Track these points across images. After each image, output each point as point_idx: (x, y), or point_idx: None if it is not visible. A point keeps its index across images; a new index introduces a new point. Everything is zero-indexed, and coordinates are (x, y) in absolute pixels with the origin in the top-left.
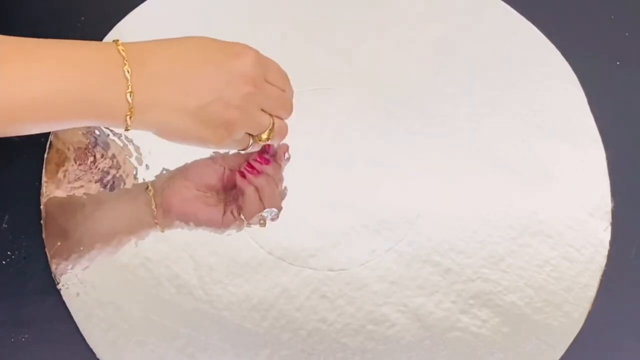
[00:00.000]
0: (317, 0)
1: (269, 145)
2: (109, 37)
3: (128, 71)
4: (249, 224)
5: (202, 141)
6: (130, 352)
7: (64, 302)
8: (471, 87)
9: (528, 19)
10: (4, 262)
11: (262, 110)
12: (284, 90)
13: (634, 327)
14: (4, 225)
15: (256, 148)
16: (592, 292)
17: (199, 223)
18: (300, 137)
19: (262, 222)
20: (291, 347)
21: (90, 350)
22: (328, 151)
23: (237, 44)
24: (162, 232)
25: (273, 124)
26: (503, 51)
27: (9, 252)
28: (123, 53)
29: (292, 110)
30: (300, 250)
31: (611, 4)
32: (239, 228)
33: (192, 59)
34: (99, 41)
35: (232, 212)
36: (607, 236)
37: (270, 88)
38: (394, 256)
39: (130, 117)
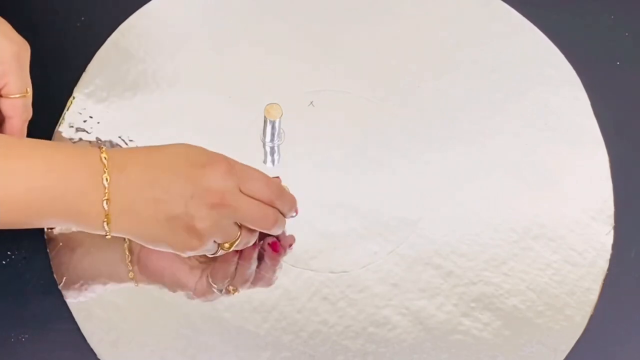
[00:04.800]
0: (321, 2)
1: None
2: (113, 39)
3: (107, 179)
4: (215, 289)
5: (173, 249)
6: (131, 352)
7: (64, 302)
8: (473, 89)
9: (529, 19)
10: (4, 262)
11: (235, 222)
12: (267, 201)
13: (636, 331)
14: None
15: (220, 253)
16: (594, 296)
17: (173, 281)
18: (302, 139)
19: (232, 290)
20: (292, 349)
21: (91, 350)
22: (330, 153)
23: (211, 154)
24: (136, 285)
25: (240, 235)
26: (505, 52)
27: (9, 252)
28: (105, 161)
29: (275, 221)
30: (302, 252)
31: (611, 4)
32: (209, 297)
33: (167, 168)
34: (84, 144)
35: (207, 278)
36: (609, 240)
37: (244, 200)
38: (396, 259)
39: (107, 224)
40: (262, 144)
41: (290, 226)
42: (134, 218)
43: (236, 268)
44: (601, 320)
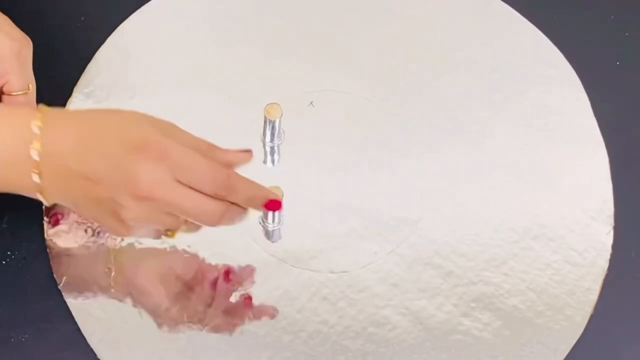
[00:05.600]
0: (321, 2)
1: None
2: (113, 39)
3: (37, 153)
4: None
5: (109, 230)
6: (131, 352)
7: (64, 302)
8: (473, 89)
9: (529, 19)
10: (4, 262)
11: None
12: (210, 193)
13: (636, 331)
14: (4, 225)
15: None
16: (594, 296)
17: (147, 303)
18: (302, 139)
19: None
20: (292, 349)
21: (91, 350)
22: (329, 153)
23: (146, 135)
24: (113, 289)
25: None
26: (505, 52)
27: (9, 252)
28: (37, 131)
29: (220, 217)
30: (302, 253)
31: (611, 4)
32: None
33: (98, 146)
34: (24, 107)
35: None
36: (609, 240)
37: (177, 192)
38: (396, 259)
39: (42, 194)
40: (262, 144)
41: (291, 226)
42: (67, 192)
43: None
44: (601, 320)
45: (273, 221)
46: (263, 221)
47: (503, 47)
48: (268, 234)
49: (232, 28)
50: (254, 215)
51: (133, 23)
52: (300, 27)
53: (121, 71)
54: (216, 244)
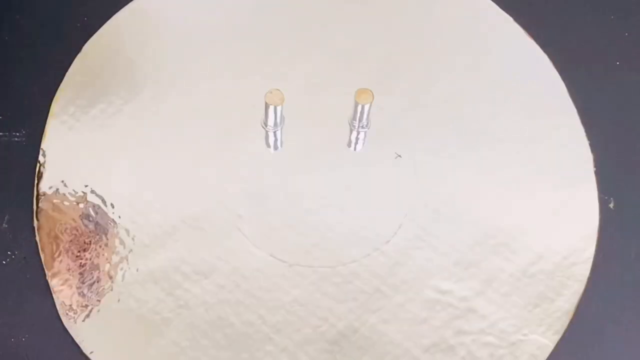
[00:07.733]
0: (321, 2)
1: None
2: (103, 32)
3: None
4: None
5: None
6: (131, 353)
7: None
8: (473, 90)
9: (529, 19)
10: (4, 262)
11: None
12: None
13: (636, 331)
14: (4, 225)
15: None
16: (591, 294)
17: None
18: (300, 136)
19: None
20: (292, 349)
21: (91, 350)
22: (330, 153)
23: None
24: None
25: None
26: (505, 53)
27: (9, 252)
28: None
29: None
30: (302, 252)
31: (611, 4)
32: None
33: None
34: None
35: None
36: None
37: None
38: (395, 258)
39: None
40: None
41: (291, 225)
42: None
43: None
44: (601, 319)
45: (274, 122)
46: (265, 124)
47: (503, 48)
48: (269, 138)
49: (227, 25)
50: (254, 213)
51: (131, 20)
52: (300, 27)
53: (120, 68)
54: (215, 247)
